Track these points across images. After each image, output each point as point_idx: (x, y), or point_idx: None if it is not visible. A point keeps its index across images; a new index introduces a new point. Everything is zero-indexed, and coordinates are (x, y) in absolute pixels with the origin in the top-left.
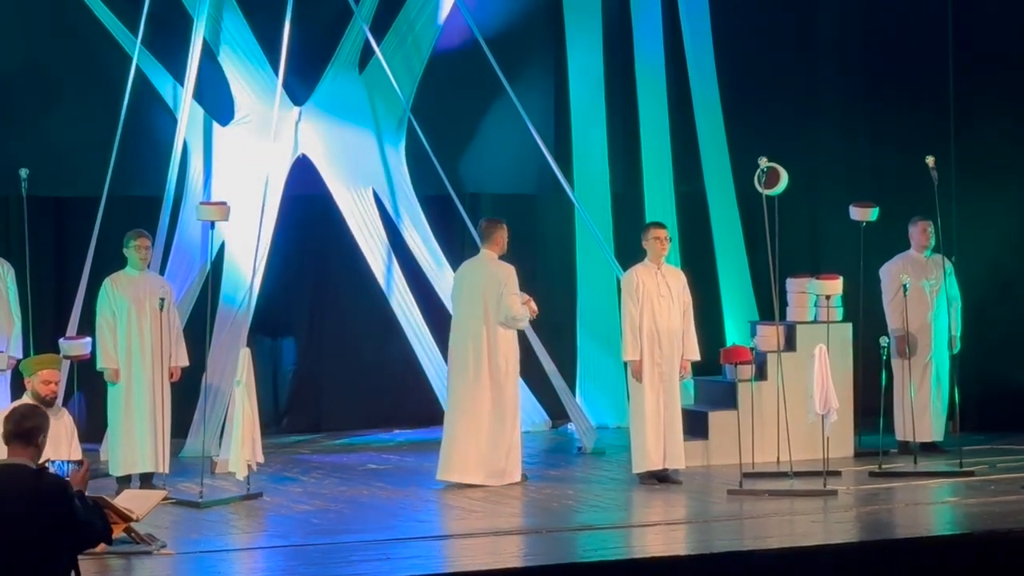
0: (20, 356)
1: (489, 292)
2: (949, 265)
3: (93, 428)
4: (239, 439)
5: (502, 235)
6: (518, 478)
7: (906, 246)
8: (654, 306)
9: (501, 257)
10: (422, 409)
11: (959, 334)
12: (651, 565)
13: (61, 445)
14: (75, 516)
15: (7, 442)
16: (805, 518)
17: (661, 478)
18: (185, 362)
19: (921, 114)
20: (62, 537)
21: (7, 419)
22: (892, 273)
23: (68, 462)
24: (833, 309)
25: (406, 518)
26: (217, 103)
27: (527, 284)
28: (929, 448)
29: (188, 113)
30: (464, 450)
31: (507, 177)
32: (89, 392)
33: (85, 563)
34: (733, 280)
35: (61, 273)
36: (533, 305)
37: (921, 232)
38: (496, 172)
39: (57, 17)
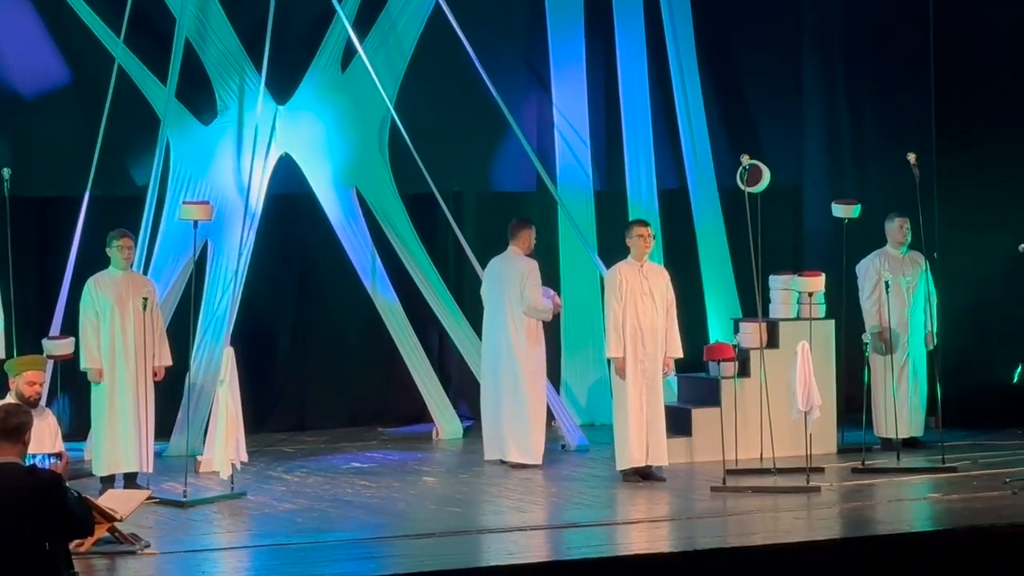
0: (3, 356)
1: (512, 285)
2: (925, 261)
3: (77, 428)
4: (223, 438)
5: (529, 234)
6: (540, 459)
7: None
8: (637, 303)
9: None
10: (406, 407)
11: (936, 330)
12: (635, 562)
13: (44, 444)
14: (70, 508)
15: None
16: (788, 514)
17: (645, 475)
18: (168, 361)
19: (903, 111)
20: (58, 529)
21: None
22: (869, 270)
23: (48, 455)
24: (816, 306)
25: (390, 516)
26: (200, 102)
27: None
28: (910, 444)
29: (171, 112)
30: (499, 431)
31: (490, 175)
32: (73, 392)
33: None
34: (716, 277)
35: (44, 273)
36: (558, 300)
37: (898, 229)
38: (479, 170)
39: (40, 17)
